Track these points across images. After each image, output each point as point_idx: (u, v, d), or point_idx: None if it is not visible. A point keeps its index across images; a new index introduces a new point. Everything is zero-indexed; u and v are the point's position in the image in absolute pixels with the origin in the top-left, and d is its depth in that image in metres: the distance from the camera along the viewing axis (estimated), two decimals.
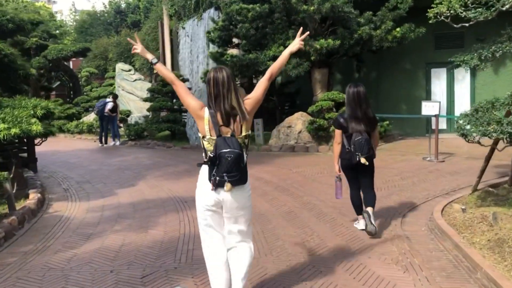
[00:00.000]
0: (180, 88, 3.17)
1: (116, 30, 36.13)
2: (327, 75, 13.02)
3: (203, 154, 3.09)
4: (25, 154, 9.21)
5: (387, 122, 12.92)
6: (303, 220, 5.63)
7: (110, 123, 14.56)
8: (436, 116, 9.51)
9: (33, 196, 6.72)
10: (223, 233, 3.22)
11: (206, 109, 3.07)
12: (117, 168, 10.12)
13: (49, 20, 60.03)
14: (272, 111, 16.80)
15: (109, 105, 14.45)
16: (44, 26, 21.74)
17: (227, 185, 2.94)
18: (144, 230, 5.42)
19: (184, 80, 16.23)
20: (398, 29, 11.80)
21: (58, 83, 25.47)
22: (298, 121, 12.24)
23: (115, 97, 14.83)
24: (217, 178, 2.93)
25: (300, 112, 12.52)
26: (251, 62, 12.05)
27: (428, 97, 13.88)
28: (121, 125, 15.78)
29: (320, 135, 11.86)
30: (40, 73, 20.54)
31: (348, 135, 4.79)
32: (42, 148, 13.69)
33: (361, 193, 5.04)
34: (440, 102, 10.12)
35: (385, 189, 7.10)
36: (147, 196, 7.34)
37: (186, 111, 14.24)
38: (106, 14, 42.26)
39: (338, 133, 4.88)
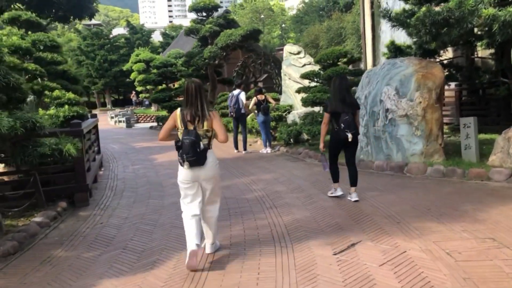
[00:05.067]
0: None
1: (328, 15, 33.37)
2: None
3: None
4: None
5: None
6: None
7: (261, 124, 10.93)
8: None
9: None
10: (197, 197, 4.17)
11: (178, 110, 4.18)
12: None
13: (277, 15, 61.76)
14: (506, 102, 10.45)
15: (242, 95, 10.80)
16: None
17: (186, 164, 4.01)
18: None
19: (354, 60, 11.12)
20: None
21: (265, 75, 23.26)
22: None
23: (259, 91, 10.97)
24: (179, 158, 4.04)
25: None
26: (451, 16, 6.52)
27: None
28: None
29: None
30: (215, 64, 18.42)
31: (335, 117, 5.70)
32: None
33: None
34: None
35: None
36: None
37: None
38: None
39: (327, 115, 5.85)
